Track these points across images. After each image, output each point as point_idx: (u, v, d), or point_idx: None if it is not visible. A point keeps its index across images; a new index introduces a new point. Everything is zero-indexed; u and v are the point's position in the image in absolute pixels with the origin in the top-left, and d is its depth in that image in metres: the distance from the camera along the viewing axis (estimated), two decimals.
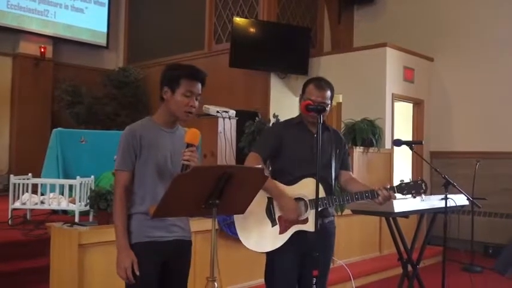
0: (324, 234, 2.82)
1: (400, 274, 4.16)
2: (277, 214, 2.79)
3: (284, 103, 8.10)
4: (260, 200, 2.75)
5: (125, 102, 9.94)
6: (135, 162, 2.37)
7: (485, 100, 7.65)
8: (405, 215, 3.88)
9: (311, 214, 2.75)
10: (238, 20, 8.12)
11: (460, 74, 7.95)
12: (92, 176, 5.53)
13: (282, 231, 2.77)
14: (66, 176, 5.98)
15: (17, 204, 5.33)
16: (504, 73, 7.52)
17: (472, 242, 6.27)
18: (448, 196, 3.71)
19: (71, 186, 5.33)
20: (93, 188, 5.11)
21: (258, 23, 8.23)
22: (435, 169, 3.74)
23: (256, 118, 5.98)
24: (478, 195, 5.53)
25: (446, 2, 8.15)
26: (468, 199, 3.83)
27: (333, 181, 2.92)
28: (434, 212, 4.03)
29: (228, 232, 4.25)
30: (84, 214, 5.22)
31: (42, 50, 9.85)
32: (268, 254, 2.84)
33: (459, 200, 3.90)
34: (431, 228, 4.18)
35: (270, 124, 5.49)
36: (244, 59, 7.98)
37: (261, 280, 2.95)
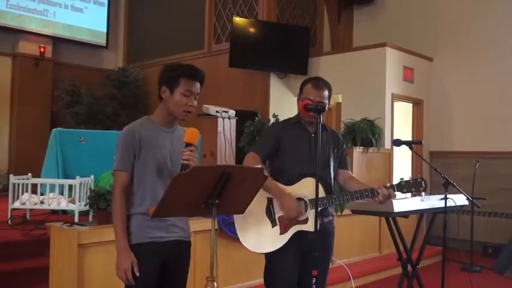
0: (324, 234, 2.82)
1: (400, 274, 4.16)
2: (278, 214, 2.79)
3: (284, 103, 8.10)
4: (260, 200, 2.74)
5: (124, 102, 9.95)
6: (134, 162, 2.36)
7: (484, 100, 7.65)
8: (405, 215, 3.88)
9: (311, 214, 2.74)
10: (238, 20, 8.12)
11: (459, 73, 7.95)
12: (92, 176, 5.54)
13: (282, 232, 2.77)
14: (66, 176, 5.98)
15: (17, 204, 5.33)
16: (504, 73, 7.52)
17: (471, 242, 6.27)
18: (448, 196, 3.71)
19: (70, 186, 5.33)
20: (92, 187, 5.11)
21: (258, 23, 8.23)
22: (435, 169, 3.74)
23: (256, 118, 5.98)
24: (478, 195, 5.53)
25: (446, 2, 8.15)
26: (468, 199, 3.83)
27: (332, 180, 2.92)
28: (433, 212, 4.03)
29: (228, 232, 4.25)
30: (83, 214, 5.22)
31: (42, 49, 9.86)
32: (267, 254, 2.84)
33: (459, 199, 3.90)
34: (430, 228, 4.18)
35: (270, 124, 5.49)
36: (243, 59, 7.98)
37: (260, 280, 2.95)
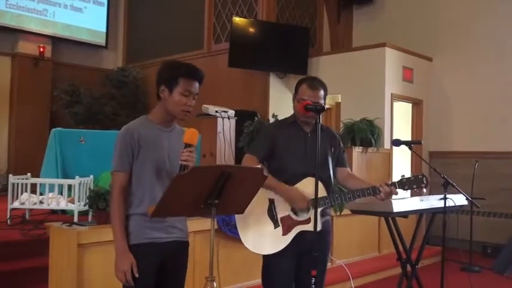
0: (322, 234, 2.81)
1: (399, 274, 4.16)
2: (280, 215, 2.79)
3: (283, 103, 8.08)
4: (261, 201, 2.74)
5: (124, 102, 9.95)
6: (132, 162, 2.34)
7: (484, 100, 7.66)
8: (404, 214, 3.88)
9: (313, 214, 2.74)
10: (238, 19, 8.12)
11: (459, 73, 7.95)
12: (91, 176, 5.54)
13: (285, 233, 2.77)
14: (65, 176, 5.98)
15: (16, 204, 5.33)
16: (503, 73, 7.52)
17: (470, 242, 6.28)
18: (447, 196, 3.71)
19: (69, 186, 5.33)
20: (92, 187, 5.11)
21: (257, 23, 8.23)
22: (434, 169, 3.73)
23: (256, 118, 5.98)
24: (477, 195, 5.53)
25: (445, 2, 8.15)
26: (467, 199, 3.83)
27: (332, 179, 2.91)
28: (433, 212, 4.03)
29: (227, 232, 4.25)
30: (83, 214, 5.22)
31: (41, 49, 9.85)
32: (265, 255, 2.83)
33: (458, 199, 3.90)
34: (430, 228, 4.18)
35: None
36: (243, 58, 7.98)
37: (260, 280, 2.95)
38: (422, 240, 4.23)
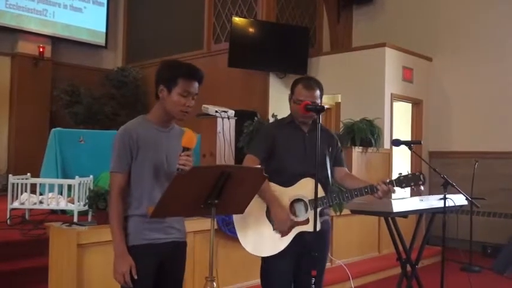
0: (321, 234, 2.81)
1: (399, 274, 4.15)
2: None
3: (283, 103, 8.00)
4: (260, 203, 2.74)
5: (123, 102, 9.94)
6: (131, 163, 2.32)
7: (484, 100, 7.66)
8: (404, 214, 3.88)
9: (312, 214, 2.74)
10: (237, 19, 8.12)
11: (459, 73, 7.95)
12: (91, 176, 5.54)
13: (284, 234, 2.76)
14: (65, 176, 5.98)
15: (16, 204, 5.33)
16: (503, 73, 7.53)
17: (470, 242, 6.28)
18: (447, 196, 3.71)
19: (69, 186, 5.33)
20: (91, 187, 5.11)
21: (257, 23, 8.23)
22: (434, 169, 3.73)
23: (255, 118, 5.98)
24: (477, 195, 5.53)
25: (445, 2, 8.15)
26: (467, 199, 3.83)
27: (329, 179, 2.91)
28: (433, 212, 4.03)
29: (227, 232, 4.25)
30: (83, 214, 5.22)
31: (41, 49, 9.85)
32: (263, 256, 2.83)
33: (458, 199, 3.90)
34: (430, 228, 4.17)
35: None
36: (243, 58, 7.98)
37: (259, 280, 2.95)
38: (422, 240, 4.23)
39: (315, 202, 2.58)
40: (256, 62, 8.07)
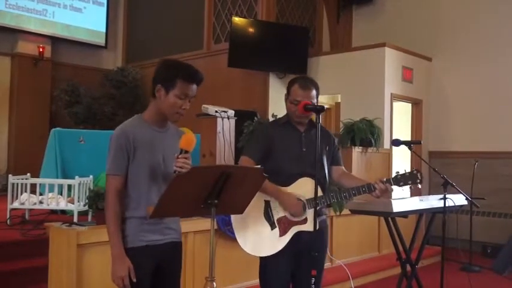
0: (319, 233, 2.81)
1: (399, 274, 4.15)
2: (276, 217, 2.78)
3: (283, 103, 8.01)
4: (257, 203, 2.73)
5: (123, 102, 9.94)
6: (128, 165, 2.29)
7: (483, 100, 7.66)
8: (404, 214, 3.88)
9: (310, 214, 2.74)
10: (237, 19, 8.12)
11: (458, 73, 7.96)
12: (91, 176, 5.53)
13: (282, 234, 2.76)
14: (65, 176, 5.98)
15: (16, 204, 5.32)
16: (503, 73, 7.53)
17: (470, 242, 6.28)
18: (447, 196, 3.71)
19: (69, 186, 5.33)
20: (91, 187, 5.11)
21: (257, 23, 8.23)
22: (434, 169, 3.74)
23: (255, 118, 5.97)
24: (477, 195, 5.53)
25: (445, 2, 8.16)
26: (467, 199, 3.83)
27: (326, 179, 2.91)
28: (433, 212, 4.03)
29: (227, 232, 4.25)
30: (82, 214, 5.22)
31: (41, 49, 9.85)
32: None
33: (458, 199, 3.90)
34: (430, 228, 4.17)
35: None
36: (243, 58, 7.98)
37: (258, 281, 2.95)
38: (422, 240, 4.22)
39: (315, 202, 2.58)
40: (256, 62, 8.07)
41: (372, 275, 5.72)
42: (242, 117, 5.91)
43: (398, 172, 2.84)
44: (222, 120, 5.30)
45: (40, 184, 5.76)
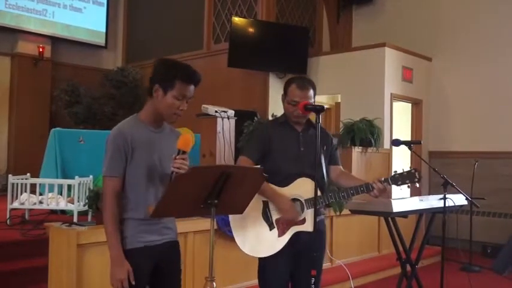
0: (318, 233, 2.80)
1: (399, 274, 4.15)
2: (275, 217, 2.77)
3: None
4: (256, 204, 2.72)
5: (123, 102, 9.91)
6: (125, 166, 2.27)
7: (483, 100, 7.66)
8: (404, 214, 3.88)
9: (308, 214, 2.74)
10: (237, 19, 8.11)
11: (458, 73, 7.96)
12: (91, 176, 5.53)
13: (280, 234, 2.76)
14: (65, 176, 5.98)
15: (16, 204, 5.32)
16: (503, 73, 7.53)
17: (470, 242, 6.28)
18: (447, 196, 3.71)
19: (69, 186, 5.33)
20: (91, 187, 5.11)
21: (257, 23, 8.23)
22: (434, 169, 3.74)
23: (255, 118, 5.97)
24: (477, 195, 5.53)
25: (445, 2, 8.16)
26: (467, 199, 3.83)
27: (325, 178, 2.90)
28: (433, 212, 4.03)
29: (227, 232, 4.24)
30: (82, 214, 5.22)
31: (41, 49, 9.85)
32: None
33: (458, 199, 3.90)
34: (429, 228, 4.18)
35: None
36: (242, 58, 7.98)
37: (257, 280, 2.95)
38: (422, 240, 4.23)
39: (315, 202, 2.58)
40: (256, 62, 8.06)
41: (372, 275, 5.72)
42: (242, 117, 5.91)
43: (396, 171, 2.84)
44: (222, 120, 5.30)
45: (40, 184, 5.76)
